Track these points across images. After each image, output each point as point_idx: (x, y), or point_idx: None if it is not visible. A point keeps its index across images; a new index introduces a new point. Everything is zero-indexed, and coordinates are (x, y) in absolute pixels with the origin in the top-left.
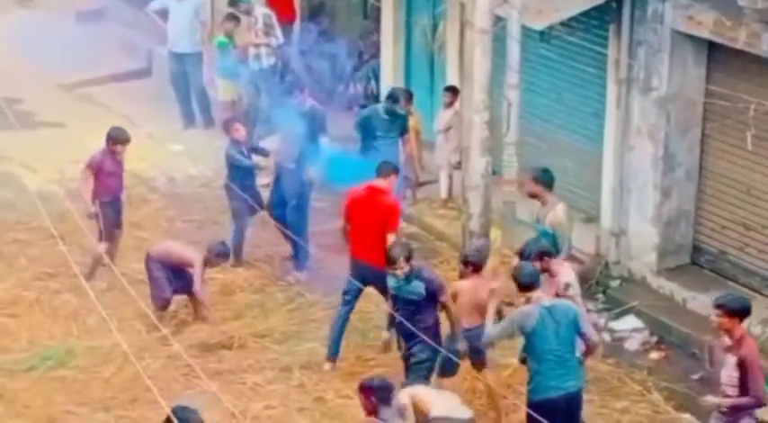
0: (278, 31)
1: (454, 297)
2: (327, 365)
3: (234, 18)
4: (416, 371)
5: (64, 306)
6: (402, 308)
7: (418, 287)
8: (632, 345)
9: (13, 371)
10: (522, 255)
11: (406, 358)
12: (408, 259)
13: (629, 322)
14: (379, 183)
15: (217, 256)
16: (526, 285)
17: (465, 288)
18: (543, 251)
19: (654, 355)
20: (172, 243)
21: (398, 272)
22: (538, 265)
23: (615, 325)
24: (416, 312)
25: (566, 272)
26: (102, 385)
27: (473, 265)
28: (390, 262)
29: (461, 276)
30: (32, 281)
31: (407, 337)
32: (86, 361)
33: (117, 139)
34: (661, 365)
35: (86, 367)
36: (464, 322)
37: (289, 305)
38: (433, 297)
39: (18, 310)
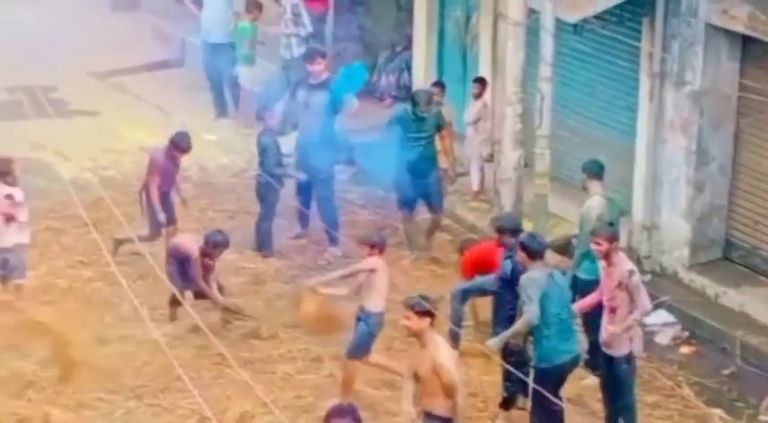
0: (306, 19)
1: None
2: None
3: (257, 6)
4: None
5: (96, 294)
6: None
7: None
8: (663, 339)
9: (45, 358)
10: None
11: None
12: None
13: (661, 317)
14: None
15: (214, 246)
16: (538, 253)
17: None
18: (611, 234)
19: (685, 349)
20: (182, 235)
21: None
22: (605, 246)
23: (646, 319)
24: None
25: (624, 259)
26: (134, 373)
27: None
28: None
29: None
30: (65, 269)
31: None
32: (118, 349)
33: (178, 146)
34: (692, 360)
35: (118, 355)
36: None
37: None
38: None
39: (51, 298)
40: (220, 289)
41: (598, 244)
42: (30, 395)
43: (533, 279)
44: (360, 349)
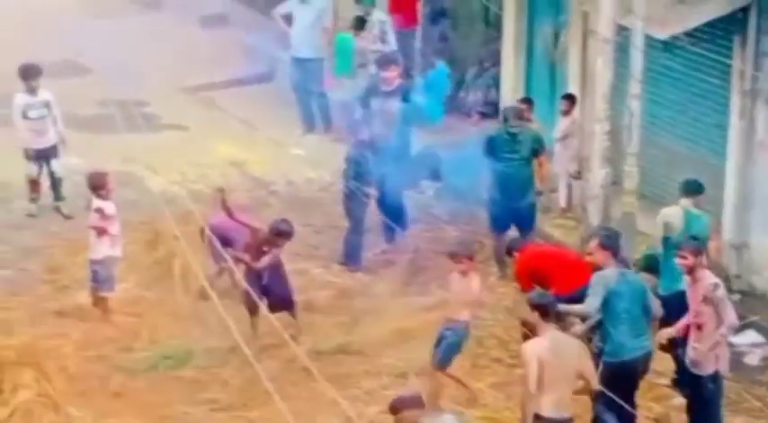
0: (391, 37)
1: None
2: None
3: (360, 21)
4: None
5: (185, 307)
6: None
7: None
8: (752, 360)
9: (134, 370)
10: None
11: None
12: None
13: (750, 337)
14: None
15: (278, 234)
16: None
17: None
18: (696, 248)
19: None
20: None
21: None
22: (690, 260)
23: (735, 339)
24: None
25: (709, 274)
26: (221, 386)
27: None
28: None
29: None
30: (154, 281)
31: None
32: (205, 361)
33: (280, 231)
34: None
35: (205, 368)
36: None
37: (406, 310)
38: None
39: (139, 310)
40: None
41: (683, 258)
42: (117, 407)
43: (602, 276)
44: (448, 359)
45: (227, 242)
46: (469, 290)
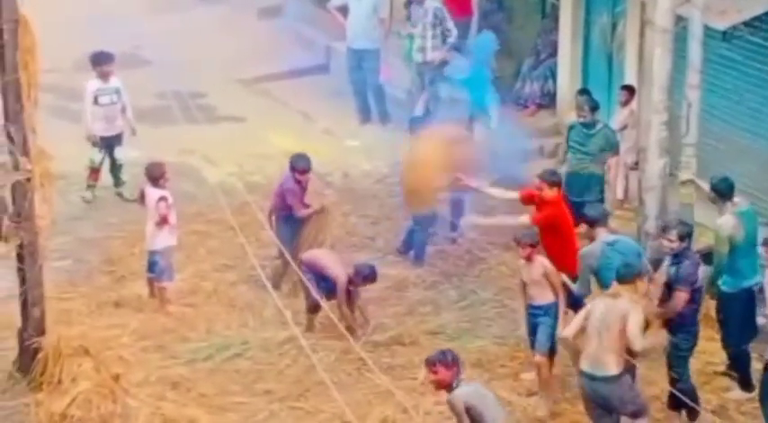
0: (450, 24)
1: None
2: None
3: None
4: (677, 360)
5: (241, 297)
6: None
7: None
8: None
9: (191, 360)
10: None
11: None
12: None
13: None
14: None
15: (364, 279)
16: (591, 220)
17: None
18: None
19: None
20: (321, 253)
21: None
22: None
23: None
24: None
25: None
26: (277, 376)
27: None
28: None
29: None
30: (211, 272)
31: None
32: (261, 352)
33: (295, 166)
34: None
35: (261, 358)
36: None
37: (461, 302)
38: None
39: (196, 301)
40: (363, 324)
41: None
42: (174, 397)
43: (585, 256)
44: (552, 343)
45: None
46: (535, 274)
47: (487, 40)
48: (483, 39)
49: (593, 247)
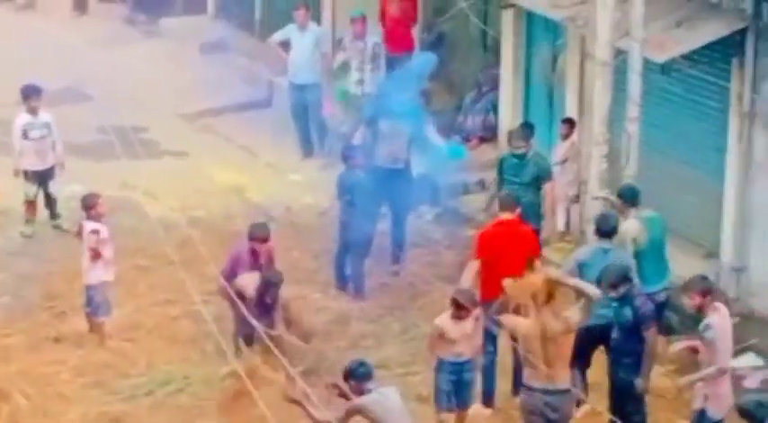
0: (383, 62)
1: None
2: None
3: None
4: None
5: (182, 332)
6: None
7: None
8: (752, 383)
9: (132, 396)
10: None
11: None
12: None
13: (749, 360)
14: (508, 216)
15: (271, 285)
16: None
17: None
18: (705, 288)
19: None
20: (243, 276)
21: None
22: (697, 300)
23: (734, 362)
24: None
25: (716, 313)
26: (219, 411)
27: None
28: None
29: None
30: (152, 306)
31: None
32: (203, 387)
33: (253, 236)
34: None
35: (203, 393)
36: None
37: (404, 335)
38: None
39: (137, 335)
40: (306, 337)
41: (691, 299)
42: None
43: (579, 251)
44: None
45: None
46: (468, 328)
47: (426, 58)
48: (422, 56)
49: (588, 246)
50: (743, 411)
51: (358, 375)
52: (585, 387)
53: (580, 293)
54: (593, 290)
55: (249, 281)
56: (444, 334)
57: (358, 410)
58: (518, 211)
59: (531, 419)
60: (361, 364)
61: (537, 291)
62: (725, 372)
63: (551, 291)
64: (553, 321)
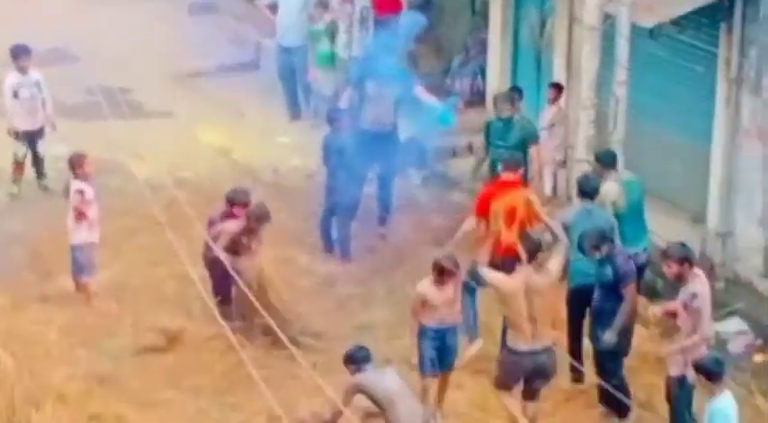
0: (371, 25)
1: None
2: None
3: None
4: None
5: (169, 293)
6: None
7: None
8: (736, 347)
9: (118, 356)
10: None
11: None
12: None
13: (734, 324)
14: (510, 176)
15: (258, 219)
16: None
17: None
18: (683, 255)
19: (758, 357)
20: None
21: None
22: (674, 268)
23: (719, 327)
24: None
25: (696, 281)
26: (205, 371)
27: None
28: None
29: None
30: (138, 268)
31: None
32: (190, 347)
33: (233, 201)
34: (765, 369)
35: (190, 353)
36: None
37: (390, 298)
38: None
39: (124, 296)
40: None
41: (669, 267)
42: (101, 393)
43: (563, 213)
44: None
45: None
46: (450, 292)
47: (414, 19)
48: (409, 16)
49: (573, 207)
50: (699, 367)
51: (357, 359)
52: (580, 355)
53: (555, 237)
54: (561, 233)
55: (230, 224)
56: (427, 301)
57: (357, 388)
58: (520, 171)
59: (508, 379)
60: (360, 348)
61: (515, 206)
62: (708, 338)
63: (529, 213)
64: (536, 275)
